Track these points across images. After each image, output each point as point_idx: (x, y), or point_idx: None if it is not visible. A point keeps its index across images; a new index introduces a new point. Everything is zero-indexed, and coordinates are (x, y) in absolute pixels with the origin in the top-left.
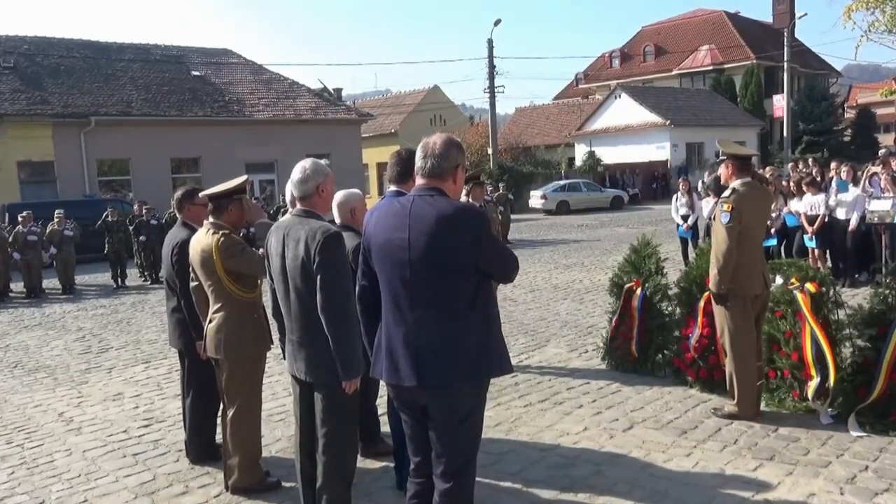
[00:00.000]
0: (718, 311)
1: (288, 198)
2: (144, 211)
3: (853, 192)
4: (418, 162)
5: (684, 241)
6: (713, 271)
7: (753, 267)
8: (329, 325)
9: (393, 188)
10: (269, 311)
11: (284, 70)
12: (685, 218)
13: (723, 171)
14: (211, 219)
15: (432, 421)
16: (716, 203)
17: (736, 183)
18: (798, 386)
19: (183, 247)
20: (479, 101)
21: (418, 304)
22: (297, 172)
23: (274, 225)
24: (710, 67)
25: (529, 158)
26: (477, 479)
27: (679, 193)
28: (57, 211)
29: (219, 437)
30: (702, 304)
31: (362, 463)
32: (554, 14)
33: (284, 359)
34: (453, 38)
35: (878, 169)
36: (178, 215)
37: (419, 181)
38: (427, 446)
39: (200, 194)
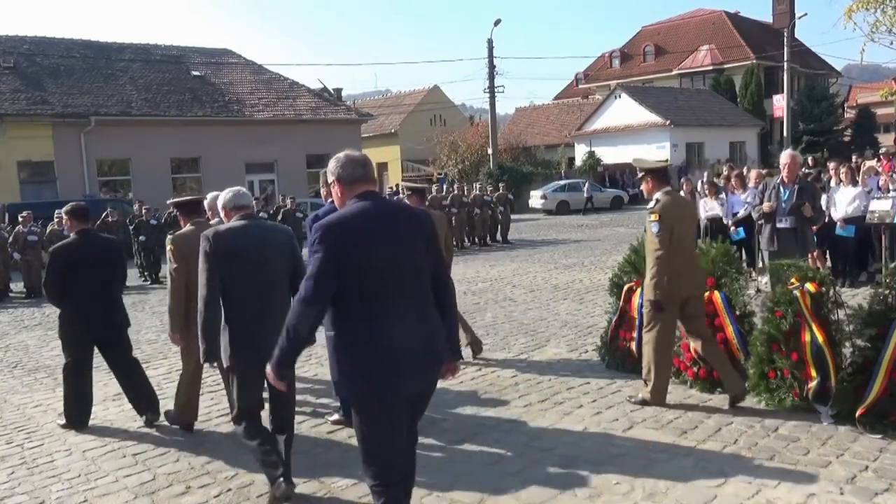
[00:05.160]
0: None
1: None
2: (144, 211)
3: (853, 192)
4: (360, 170)
5: None
6: (648, 279)
7: (684, 270)
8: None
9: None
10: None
11: (284, 70)
12: None
13: (644, 186)
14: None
15: (422, 409)
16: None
17: (658, 194)
18: (798, 386)
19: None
20: (479, 101)
21: (417, 302)
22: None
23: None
24: (710, 67)
25: (529, 158)
26: (477, 478)
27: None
28: (57, 211)
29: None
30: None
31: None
32: (554, 14)
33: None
34: (453, 38)
35: (873, 163)
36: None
37: (366, 187)
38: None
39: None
